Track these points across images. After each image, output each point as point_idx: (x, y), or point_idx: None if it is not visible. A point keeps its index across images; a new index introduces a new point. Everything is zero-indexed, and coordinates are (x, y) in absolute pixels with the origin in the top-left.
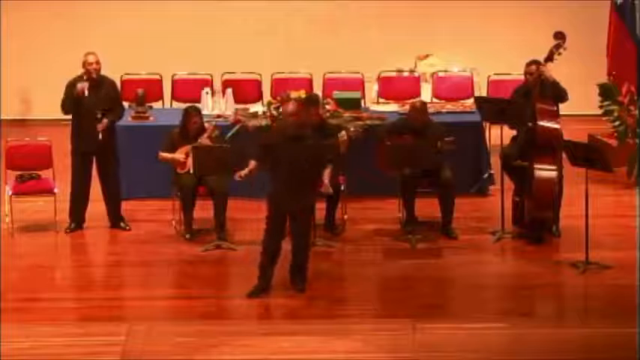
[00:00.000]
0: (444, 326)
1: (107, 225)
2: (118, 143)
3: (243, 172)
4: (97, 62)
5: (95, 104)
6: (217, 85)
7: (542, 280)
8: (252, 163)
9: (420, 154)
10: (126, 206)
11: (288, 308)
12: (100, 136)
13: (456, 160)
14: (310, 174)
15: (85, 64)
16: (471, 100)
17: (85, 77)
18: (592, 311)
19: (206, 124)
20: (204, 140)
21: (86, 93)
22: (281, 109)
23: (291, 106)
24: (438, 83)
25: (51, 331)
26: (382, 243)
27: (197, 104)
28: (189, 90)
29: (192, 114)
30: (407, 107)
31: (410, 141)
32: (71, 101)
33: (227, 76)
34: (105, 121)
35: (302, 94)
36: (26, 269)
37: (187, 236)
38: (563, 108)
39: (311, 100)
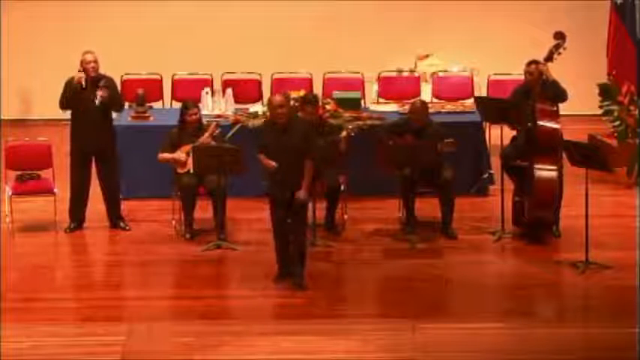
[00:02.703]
0: (444, 326)
1: (107, 225)
2: (117, 143)
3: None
4: (95, 61)
5: (94, 102)
6: (217, 85)
7: (542, 280)
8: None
9: (420, 154)
10: (126, 206)
11: (288, 308)
12: (97, 99)
13: (456, 160)
14: (299, 165)
15: (82, 62)
16: (471, 100)
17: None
18: (592, 311)
19: (205, 122)
20: (206, 139)
21: (83, 84)
22: (269, 100)
23: (278, 98)
24: (438, 83)
25: (51, 331)
26: (382, 243)
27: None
28: (189, 90)
29: (189, 107)
30: (407, 107)
31: (410, 141)
32: (69, 95)
33: (227, 76)
34: (105, 89)
35: (302, 94)
36: (26, 269)
37: (187, 236)
38: (563, 108)
39: (308, 100)
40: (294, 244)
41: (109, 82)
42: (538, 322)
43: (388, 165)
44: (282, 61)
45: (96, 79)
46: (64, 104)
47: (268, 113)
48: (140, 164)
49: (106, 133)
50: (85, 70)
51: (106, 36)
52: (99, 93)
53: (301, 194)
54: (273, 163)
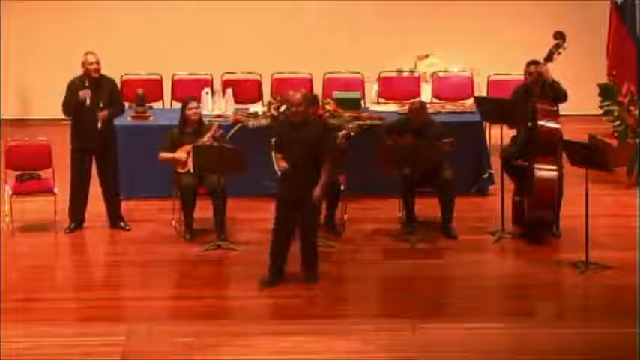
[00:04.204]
0: (444, 326)
1: (107, 225)
2: (117, 143)
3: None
4: (97, 62)
5: (96, 103)
6: (217, 85)
7: (542, 280)
8: (278, 155)
9: (420, 154)
10: (126, 206)
11: (288, 308)
12: (100, 125)
13: (456, 160)
14: (313, 162)
15: (84, 63)
16: (471, 100)
17: (85, 78)
18: (592, 311)
19: (207, 122)
20: (208, 140)
21: (88, 101)
22: (287, 98)
23: (297, 96)
24: (438, 83)
25: (51, 331)
26: (382, 243)
27: None
28: (189, 90)
29: (189, 101)
30: (407, 107)
31: (410, 141)
32: (73, 105)
33: (227, 76)
34: (105, 111)
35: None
36: (26, 269)
37: (187, 236)
38: (563, 108)
39: (308, 100)
40: (306, 245)
41: (111, 83)
42: (538, 322)
43: (388, 165)
44: (282, 61)
45: (98, 81)
46: (67, 112)
47: (286, 110)
48: (140, 164)
49: (106, 133)
50: (86, 71)
51: (106, 36)
52: (100, 114)
53: (316, 192)
54: (286, 165)
